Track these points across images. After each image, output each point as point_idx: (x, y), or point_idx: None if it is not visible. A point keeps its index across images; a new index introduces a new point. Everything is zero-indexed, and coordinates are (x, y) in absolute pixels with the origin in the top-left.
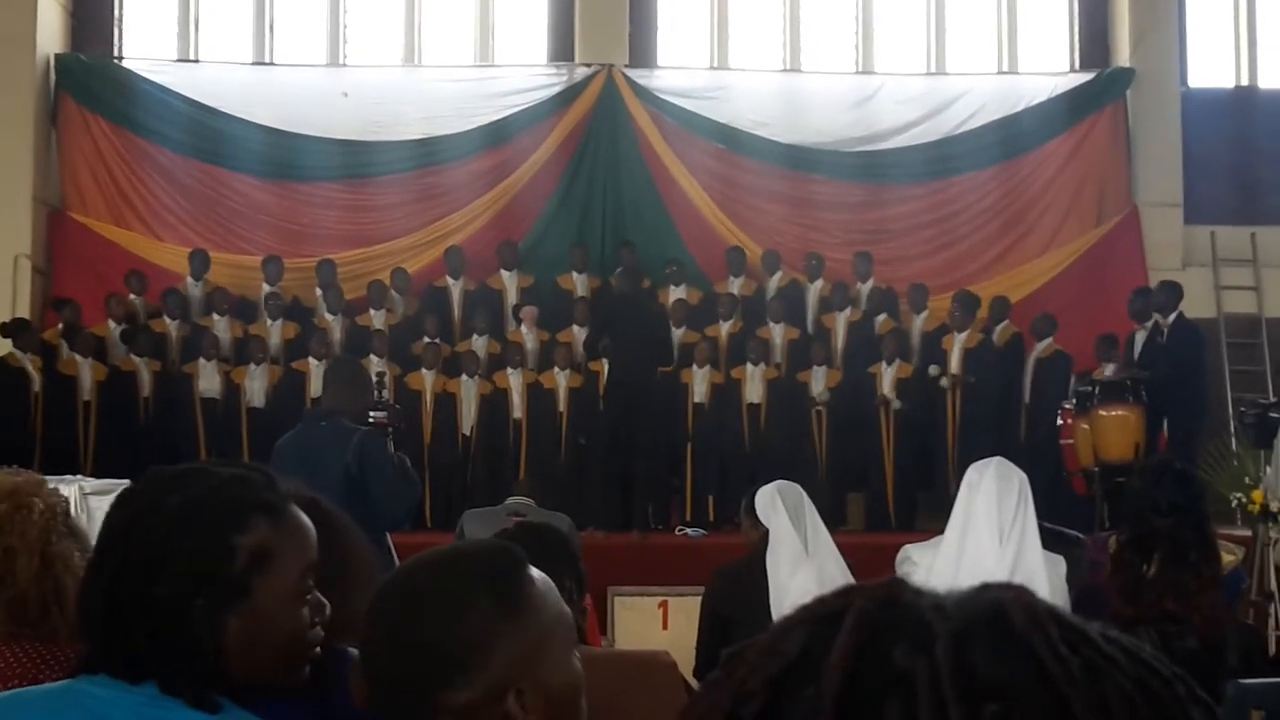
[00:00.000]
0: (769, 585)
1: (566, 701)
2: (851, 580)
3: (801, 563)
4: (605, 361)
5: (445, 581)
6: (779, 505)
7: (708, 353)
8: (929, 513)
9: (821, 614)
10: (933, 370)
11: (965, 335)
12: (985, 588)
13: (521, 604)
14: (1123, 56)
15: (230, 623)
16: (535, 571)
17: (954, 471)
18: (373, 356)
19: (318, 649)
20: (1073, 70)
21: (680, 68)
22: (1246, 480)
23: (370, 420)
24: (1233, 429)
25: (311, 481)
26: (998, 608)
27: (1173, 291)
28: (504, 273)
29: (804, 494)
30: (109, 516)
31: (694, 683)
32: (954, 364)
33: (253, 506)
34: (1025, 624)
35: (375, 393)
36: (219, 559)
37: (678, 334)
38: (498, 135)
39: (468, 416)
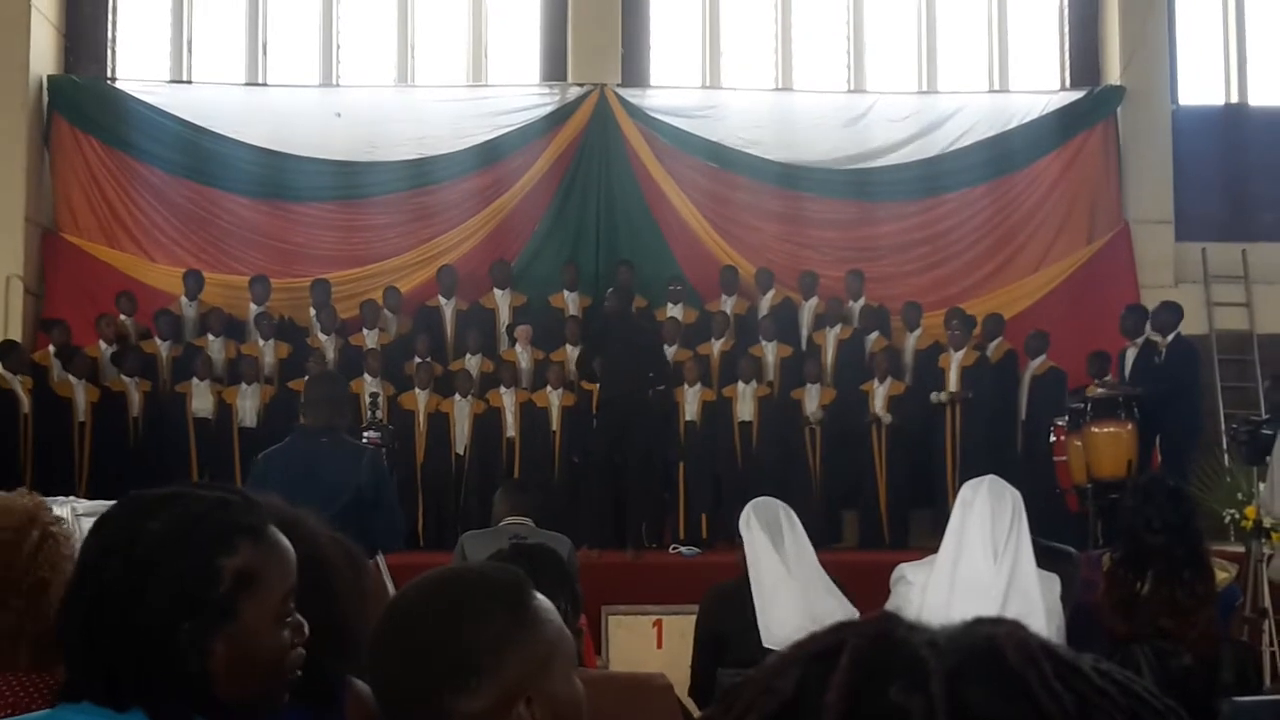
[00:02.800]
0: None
1: (570, 716)
2: (838, 595)
3: (783, 582)
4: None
5: (459, 593)
6: (752, 523)
7: (698, 371)
8: (924, 530)
9: (814, 651)
10: (935, 397)
11: (962, 353)
12: (978, 622)
13: (531, 616)
14: (1113, 74)
15: (216, 646)
16: (538, 594)
17: (954, 489)
18: (366, 376)
19: (299, 670)
20: (1063, 88)
21: (672, 87)
22: (1239, 496)
23: (364, 439)
24: (1225, 445)
25: (312, 498)
26: (990, 643)
27: (1173, 312)
28: (497, 292)
29: (786, 510)
30: (87, 543)
31: (689, 703)
32: (952, 382)
33: (236, 529)
34: (1018, 660)
35: (369, 411)
36: (205, 582)
37: (670, 351)
38: (490, 155)
39: (461, 436)
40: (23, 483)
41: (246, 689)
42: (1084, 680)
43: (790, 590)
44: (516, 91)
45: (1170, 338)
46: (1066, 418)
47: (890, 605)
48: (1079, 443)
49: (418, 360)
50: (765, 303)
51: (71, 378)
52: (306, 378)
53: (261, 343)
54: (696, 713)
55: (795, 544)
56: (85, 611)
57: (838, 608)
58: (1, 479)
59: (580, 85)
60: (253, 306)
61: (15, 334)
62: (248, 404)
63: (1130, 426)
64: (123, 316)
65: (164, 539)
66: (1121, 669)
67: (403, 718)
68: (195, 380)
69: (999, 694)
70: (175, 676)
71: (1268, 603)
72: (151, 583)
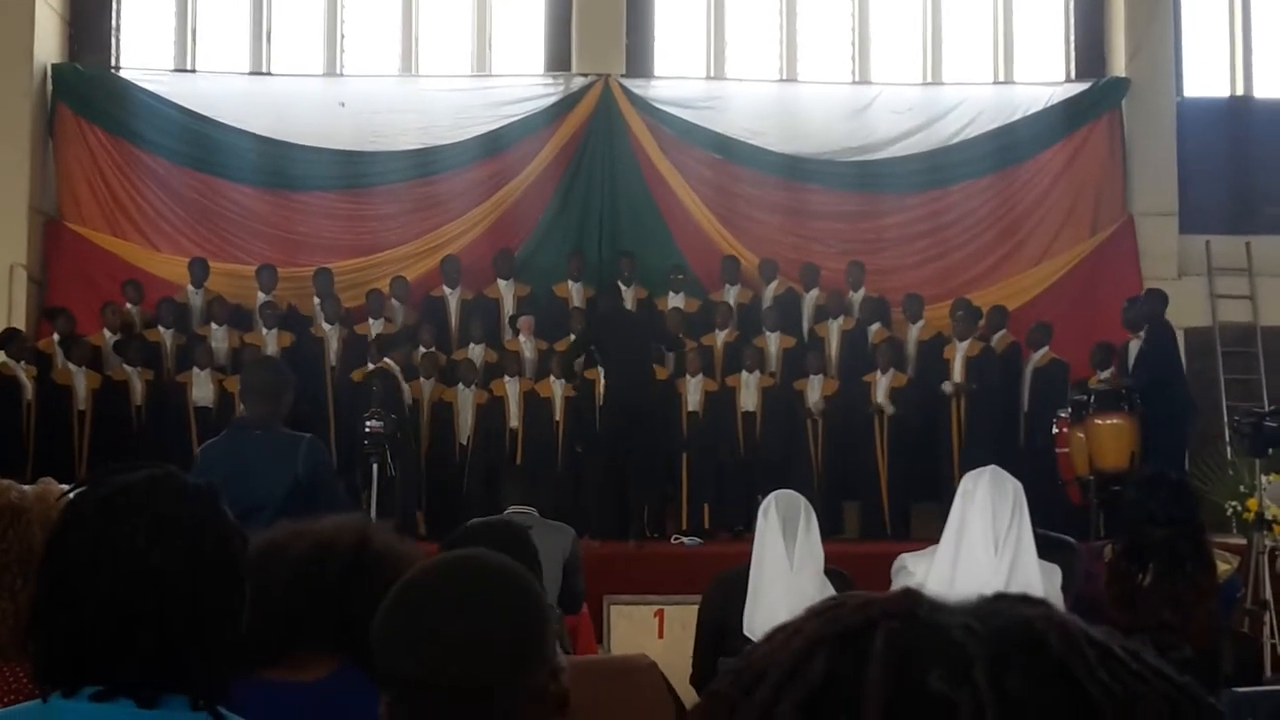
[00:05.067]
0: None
1: (567, 680)
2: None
3: (782, 577)
4: (601, 370)
5: (506, 579)
6: (771, 512)
7: (701, 361)
8: (926, 521)
9: (841, 631)
10: (945, 388)
11: (967, 344)
12: (1000, 599)
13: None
14: (1118, 66)
15: (242, 609)
16: None
17: (958, 480)
18: (369, 365)
19: None
20: (1068, 80)
21: (677, 77)
22: (1242, 489)
23: (367, 430)
24: (1228, 438)
25: (249, 492)
26: (1028, 627)
27: (1154, 300)
28: (501, 282)
29: (808, 508)
30: (78, 538)
31: (689, 691)
32: (956, 373)
33: (219, 496)
34: (1062, 647)
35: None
36: (234, 548)
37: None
38: (495, 145)
39: (464, 425)
40: (25, 470)
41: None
42: (1124, 667)
43: (787, 586)
44: (521, 82)
45: (1149, 326)
46: (1069, 409)
47: None
48: (1081, 434)
49: (422, 350)
50: (769, 293)
51: (71, 366)
52: (245, 366)
53: (265, 332)
54: (697, 699)
55: (807, 543)
56: (136, 604)
57: None
58: (5, 466)
59: (584, 76)
60: (260, 295)
61: (19, 322)
62: None
63: (1133, 418)
64: (128, 305)
65: (194, 521)
66: (1143, 648)
67: (477, 704)
68: (196, 369)
69: (1044, 682)
70: (226, 650)
71: (1269, 595)
72: (205, 561)
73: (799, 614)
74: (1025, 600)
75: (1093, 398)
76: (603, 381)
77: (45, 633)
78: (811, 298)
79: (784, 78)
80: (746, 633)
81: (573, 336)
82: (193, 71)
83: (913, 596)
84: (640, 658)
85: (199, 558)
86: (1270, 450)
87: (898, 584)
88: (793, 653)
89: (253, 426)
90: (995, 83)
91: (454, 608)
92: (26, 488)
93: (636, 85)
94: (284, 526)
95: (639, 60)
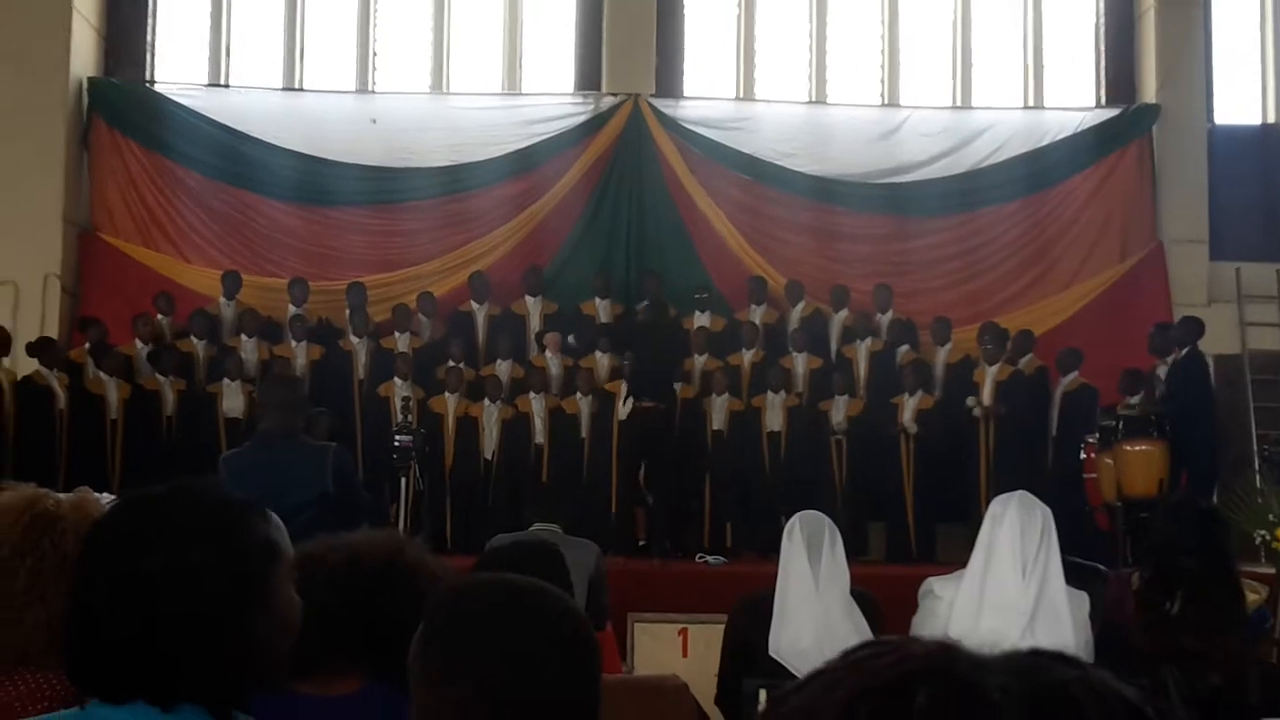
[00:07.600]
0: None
1: None
2: (858, 621)
3: (808, 599)
4: (625, 386)
5: (565, 620)
6: (795, 534)
7: (726, 381)
8: (952, 544)
9: (880, 687)
10: (970, 403)
11: (997, 368)
12: (1038, 655)
13: None
14: (1149, 93)
15: (259, 621)
16: None
17: (986, 504)
18: (396, 380)
19: None
20: (1099, 106)
21: (706, 98)
22: (1270, 517)
23: (396, 444)
24: (1256, 465)
25: (281, 502)
26: (1064, 691)
27: (1189, 326)
28: (528, 298)
29: (832, 529)
30: (100, 549)
31: (714, 711)
32: (986, 396)
33: (248, 509)
34: (1098, 714)
35: (400, 415)
36: (248, 561)
37: (700, 361)
38: (524, 162)
39: (490, 441)
40: (58, 478)
41: (280, 655)
42: None
43: (812, 608)
44: (551, 100)
45: (1184, 353)
46: (1097, 435)
47: (917, 619)
48: (1110, 460)
49: (449, 364)
50: (796, 314)
51: (103, 375)
52: (264, 381)
53: (295, 344)
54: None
55: (832, 564)
56: (131, 613)
57: (853, 635)
58: (38, 474)
59: (614, 95)
60: (291, 308)
61: (52, 331)
62: None
63: (1162, 445)
64: (160, 316)
65: (198, 527)
66: (1176, 709)
67: None
68: (226, 380)
69: None
70: (236, 662)
71: None
72: (203, 570)
73: (834, 657)
74: (1062, 659)
75: (1121, 423)
76: (625, 395)
77: (74, 640)
78: (840, 319)
79: (813, 99)
80: (772, 654)
81: (599, 353)
82: (227, 87)
83: (951, 652)
84: (672, 678)
85: (219, 566)
86: None
87: (924, 608)
88: (829, 705)
89: (275, 438)
90: (1025, 107)
91: (525, 657)
92: (62, 496)
93: (666, 105)
94: (321, 540)
95: (668, 80)
